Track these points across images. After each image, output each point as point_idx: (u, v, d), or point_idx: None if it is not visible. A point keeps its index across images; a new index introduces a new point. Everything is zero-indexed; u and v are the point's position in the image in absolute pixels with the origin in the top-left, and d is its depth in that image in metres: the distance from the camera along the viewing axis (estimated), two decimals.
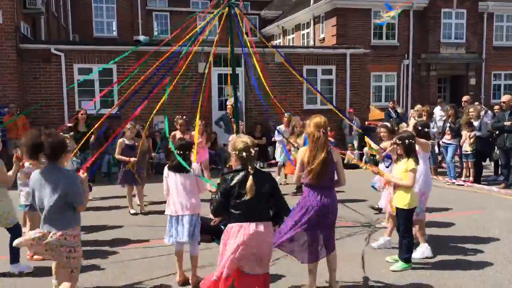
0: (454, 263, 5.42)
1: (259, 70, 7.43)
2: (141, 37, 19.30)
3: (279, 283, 4.91)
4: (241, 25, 7.22)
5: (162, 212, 7.71)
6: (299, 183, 4.63)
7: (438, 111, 13.38)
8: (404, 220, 5.21)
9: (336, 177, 4.52)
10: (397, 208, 5.25)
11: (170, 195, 4.87)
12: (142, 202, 8.11)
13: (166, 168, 4.94)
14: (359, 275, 5.11)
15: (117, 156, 8.00)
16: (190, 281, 4.84)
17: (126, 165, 7.93)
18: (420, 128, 6.23)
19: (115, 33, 23.84)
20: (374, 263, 5.42)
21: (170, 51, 7.27)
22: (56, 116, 12.54)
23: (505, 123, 9.59)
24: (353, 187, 10.07)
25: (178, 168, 4.84)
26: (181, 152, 4.86)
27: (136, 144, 8.19)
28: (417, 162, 5.20)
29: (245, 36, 7.59)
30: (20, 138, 10.95)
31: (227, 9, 6.85)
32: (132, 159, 7.87)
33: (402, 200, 5.18)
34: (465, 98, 12.32)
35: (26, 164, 5.56)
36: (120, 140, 8.01)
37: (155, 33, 24.53)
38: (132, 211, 7.94)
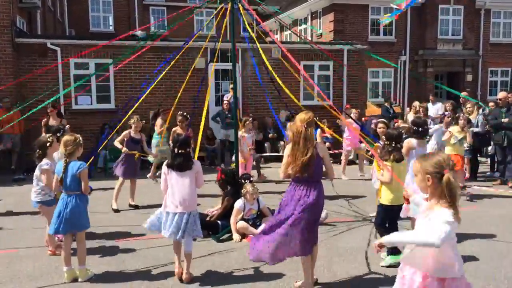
0: None
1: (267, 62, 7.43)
2: (138, 32, 19.19)
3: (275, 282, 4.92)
4: (246, 20, 7.22)
5: (158, 207, 7.71)
6: (286, 177, 4.63)
7: (429, 108, 13.39)
8: (379, 213, 5.37)
9: (324, 169, 4.60)
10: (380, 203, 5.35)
11: (169, 192, 4.84)
12: (133, 195, 8.09)
13: (165, 166, 4.91)
14: (355, 270, 5.13)
15: (116, 142, 7.92)
16: (183, 277, 4.84)
17: (127, 158, 7.88)
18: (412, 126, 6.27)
19: (111, 28, 23.73)
20: (372, 259, 5.43)
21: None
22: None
23: (503, 120, 9.60)
24: (350, 182, 10.13)
25: (179, 167, 4.81)
26: (181, 150, 4.82)
27: (141, 138, 8.20)
28: (397, 160, 5.22)
29: (249, 29, 7.60)
30: (15, 133, 11.01)
31: (229, 4, 6.84)
32: (131, 152, 7.90)
33: (383, 196, 5.29)
34: (463, 94, 12.34)
35: (46, 161, 5.50)
36: (126, 132, 7.98)
37: (152, 28, 24.41)
38: (114, 207, 7.81)
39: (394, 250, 5.22)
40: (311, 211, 4.42)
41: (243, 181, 6.67)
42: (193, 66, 9.57)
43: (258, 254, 4.50)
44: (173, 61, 8.55)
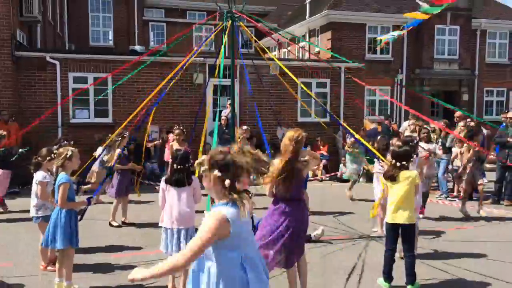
0: (444, 278, 5.44)
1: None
2: (137, 47, 19.34)
3: None
4: (249, 35, 7.32)
5: (154, 224, 7.69)
6: (270, 195, 4.65)
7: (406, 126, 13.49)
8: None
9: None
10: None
11: (166, 208, 4.83)
12: (126, 212, 8.03)
13: (163, 181, 4.90)
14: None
15: (120, 167, 7.82)
16: None
17: (125, 175, 7.86)
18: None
19: (111, 43, 23.89)
20: (367, 277, 5.41)
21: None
22: (49, 124, 12.48)
23: (508, 139, 9.67)
24: (345, 200, 10.11)
25: (177, 183, 4.79)
26: (180, 165, 4.80)
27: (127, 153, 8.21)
28: (388, 179, 5.18)
29: (254, 43, 7.69)
30: (12, 146, 10.99)
31: (229, 22, 6.94)
32: (132, 165, 7.95)
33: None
34: (457, 114, 12.42)
35: (42, 174, 5.50)
36: (118, 150, 7.88)
37: (151, 43, 24.61)
38: (115, 224, 7.80)
39: (383, 273, 5.17)
40: (293, 228, 4.46)
41: None
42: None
43: None
44: (170, 75, 8.58)
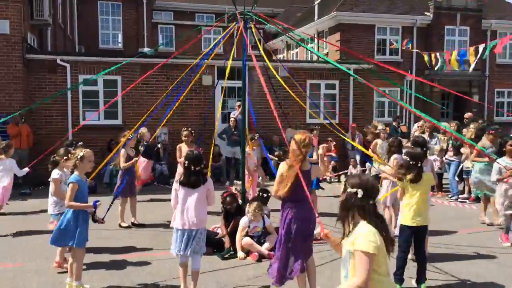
0: (454, 280, 5.39)
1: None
2: (146, 49, 19.46)
3: None
4: (257, 38, 7.34)
5: (164, 225, 7.70)
6: (277, 197, 4.65)
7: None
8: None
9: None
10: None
11: (178, 209, 4.84)
12: (135, 213, 8.04)
13: (175, 182, 4.91)
14: None
15: (124, 165, 7.86)
16: None
17: (130, 174, 7.88)
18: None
19: (120, 45, 24.06)
20: None
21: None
22: (59, 126, 12.59)
23: None
24: None
25: (191, 184, 4.78)
26: (197, 167, 4.78)
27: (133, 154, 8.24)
28: (412, 180, 5.08)
29: (260, 47, 7.70)
30: (23, 148, 11.11)
31: (242, 23, 6.96)
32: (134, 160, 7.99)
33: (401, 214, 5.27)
34: (467, 115, 12.33)
35: (57, 171, 5.58)
36: (123, 151, 7.96)
37: (160, 45, 24.72)
38: (124, 224, 7.83)
39: (394, 275, 5.10)
40: (301, 229, 4.47)
41: (262, 194, 6.73)
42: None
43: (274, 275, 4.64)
44: (180, 77, 8.62)
